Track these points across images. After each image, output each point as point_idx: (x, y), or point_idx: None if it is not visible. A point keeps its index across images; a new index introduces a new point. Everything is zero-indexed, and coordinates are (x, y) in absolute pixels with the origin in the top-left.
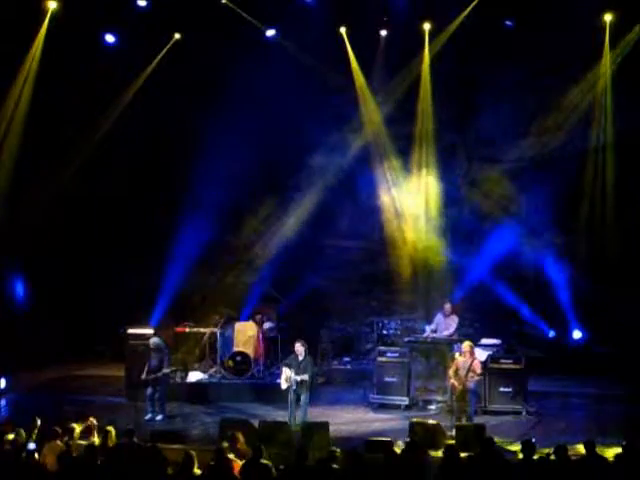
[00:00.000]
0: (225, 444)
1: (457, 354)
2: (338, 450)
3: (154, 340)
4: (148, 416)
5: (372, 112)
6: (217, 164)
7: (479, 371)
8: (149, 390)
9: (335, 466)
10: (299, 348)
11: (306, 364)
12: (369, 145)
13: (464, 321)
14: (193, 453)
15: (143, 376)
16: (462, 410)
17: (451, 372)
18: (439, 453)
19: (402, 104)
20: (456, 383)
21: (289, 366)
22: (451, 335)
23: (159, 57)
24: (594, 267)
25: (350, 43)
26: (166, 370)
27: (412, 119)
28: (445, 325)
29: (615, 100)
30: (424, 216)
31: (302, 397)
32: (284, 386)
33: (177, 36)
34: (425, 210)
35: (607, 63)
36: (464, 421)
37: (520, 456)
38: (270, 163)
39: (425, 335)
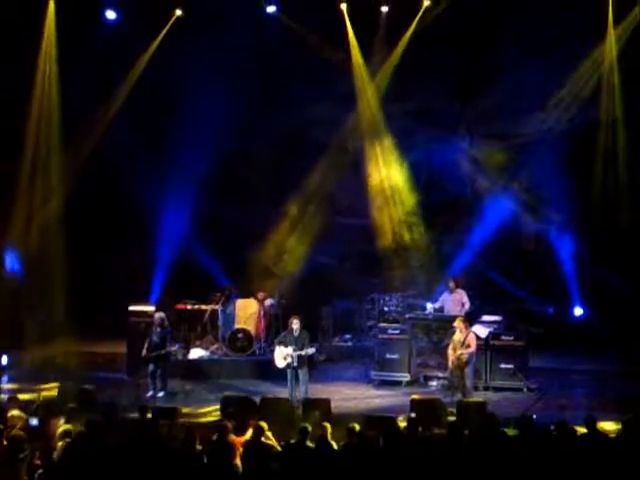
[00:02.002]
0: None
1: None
2: (328, 425)
3: (159, 314)
4: (150, 393)
5: (369, 89)
6: (212, 138)
7: (473, 344)
8: (151, 367)
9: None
10: (295, 324)
11: (305, 337)
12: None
13: None
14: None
15: (144, 352)
16: (459, 385)
17: (450, 348)
18: (440, 429)
19: (398, 81)
20: (453, 358)
21: (284, 343)
22: (469, 310)
23: (162, 33)
24: (597, 244)
25: (350, 19)
26: (171, 347)
27: (408, 96)
28: (453, 301)
29: (622, 76)
30: (410, 193)
31: (301, 374)
32: (282, 364)
33: (178, 12)
34: (405, 187)
35: (612, 37)
36: (460, 396)
37: (520, 432)
38: (266, 138)
39: (427, 312)
